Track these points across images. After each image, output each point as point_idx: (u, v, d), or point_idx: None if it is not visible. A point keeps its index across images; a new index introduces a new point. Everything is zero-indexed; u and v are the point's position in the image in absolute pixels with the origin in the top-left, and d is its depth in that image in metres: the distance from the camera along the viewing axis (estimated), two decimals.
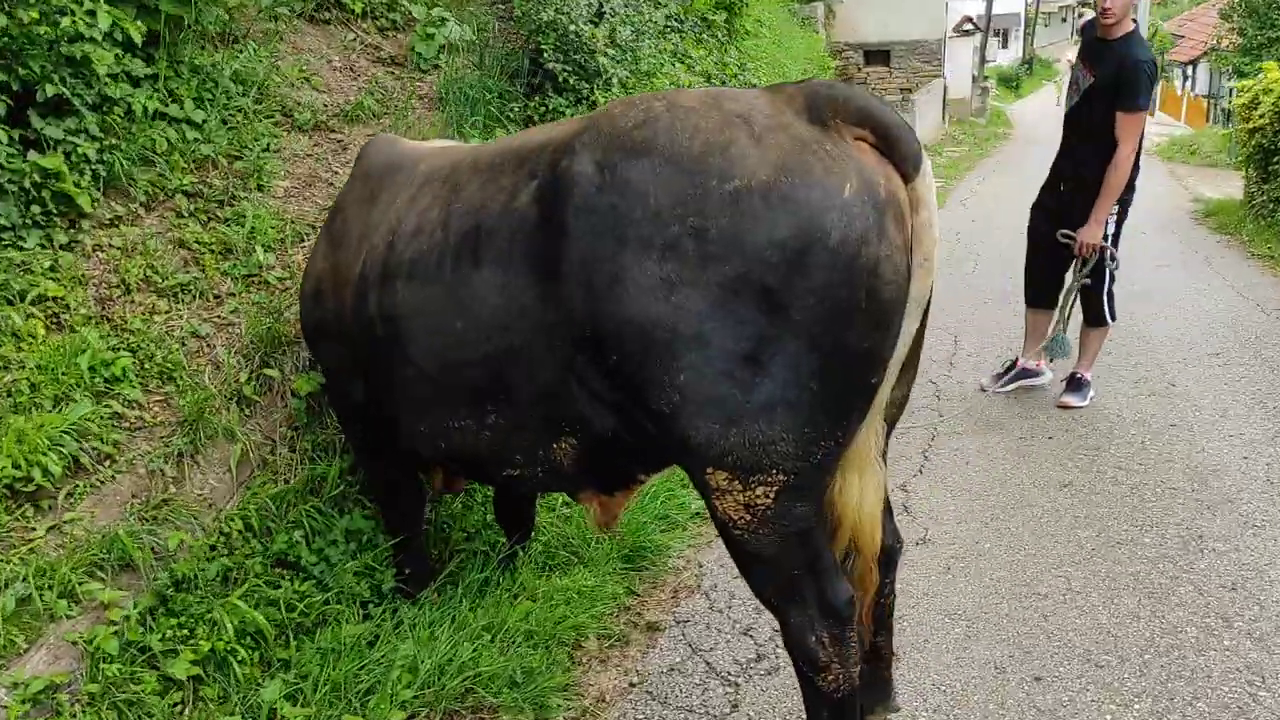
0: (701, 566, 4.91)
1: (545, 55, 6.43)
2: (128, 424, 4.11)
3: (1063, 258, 6.66)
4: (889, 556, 3.30)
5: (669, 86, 6.89)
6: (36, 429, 3.70)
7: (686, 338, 2.62)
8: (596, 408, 2.97)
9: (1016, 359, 7.23)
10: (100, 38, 4.82)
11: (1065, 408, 6.78)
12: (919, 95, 24.59)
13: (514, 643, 4.04)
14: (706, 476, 2.72)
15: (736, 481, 2.69)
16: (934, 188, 2.74)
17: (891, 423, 3.08)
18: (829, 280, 2.54)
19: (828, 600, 2.87)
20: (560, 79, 6.40)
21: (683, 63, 7.59)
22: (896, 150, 2.69)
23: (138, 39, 4.87)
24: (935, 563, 4.86)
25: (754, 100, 2.81)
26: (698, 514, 5.31)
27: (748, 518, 2.74)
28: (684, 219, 2.62)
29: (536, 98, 6.57)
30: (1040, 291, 6.93)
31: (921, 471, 5.98)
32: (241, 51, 5.83)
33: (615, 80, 6.45)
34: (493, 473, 3.53)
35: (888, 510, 3.24)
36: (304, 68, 6.42)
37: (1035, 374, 7.19)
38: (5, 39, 4.37)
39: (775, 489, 2.67)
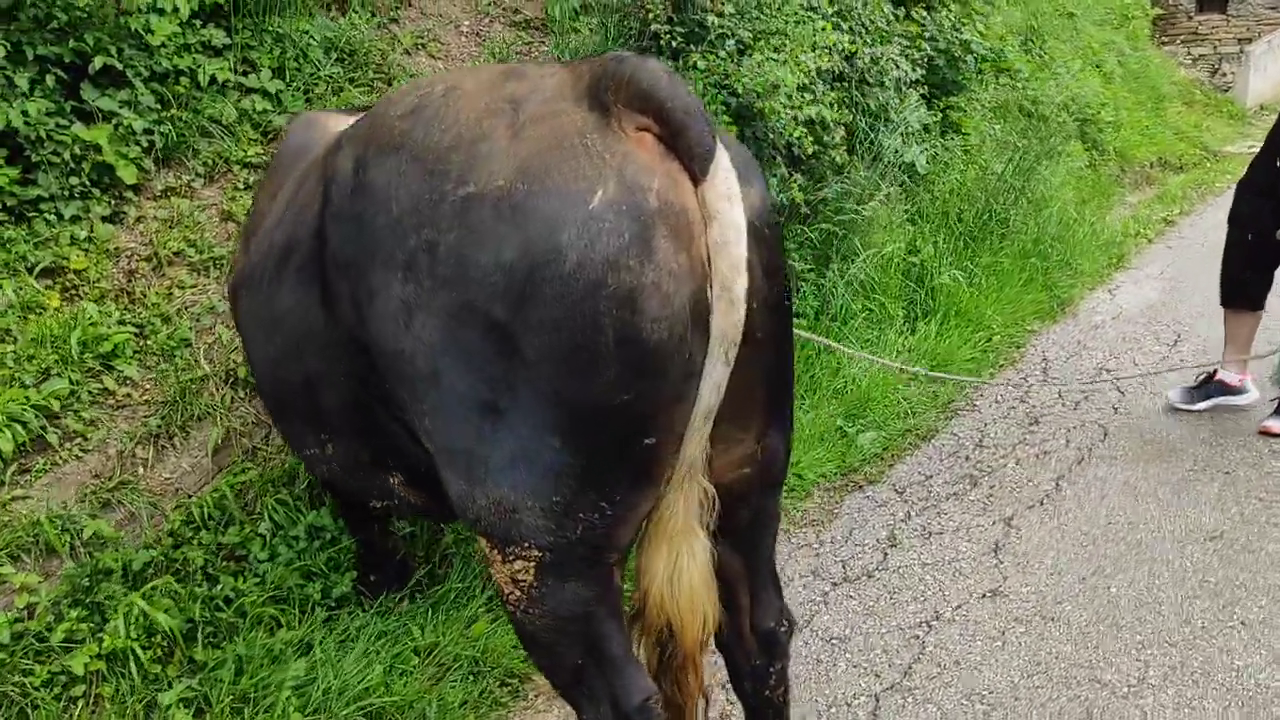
0: None
1: (651, 14, 5.83)
2: (114, 402, 4.17)
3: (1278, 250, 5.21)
4: (768, 641, 2.70)
5: (810, 50, 6.06)
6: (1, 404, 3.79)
7: (425, 375, 2.22)
8: (404, 439, 2.57)
9: (1214, 371, 5.78)
10: (171, 9, 4.88)
11: (1267, 434, 5.33)
12: (1257, 47, 20.48)
13: (451, 668, 3.72)
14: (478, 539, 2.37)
15: (495, 551, 2.27)
16: (736, 194, 2.03)
17: (768, 483, 2.48)
18: (564, 314, 1.99)
19: (618, 699, 2.35)
20: (663, 41, 5.79)
21: (842, 18, 6.60)
22: (681, 143, 2.04)
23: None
24: (989, 625, 3.95)
25: (540, 81, 2.29)
26: None
27: (516, 594, 2.30)
28: (419, 230, 2.18)
29: None
30: (1243, 289, 5.46)
31: (1042, 503, 4.92)
32: (336, 19, 5.73)
33: (730, 42, 5.74)
34: (365, 501, 3.20)
35: (768, 585, 2.66)
36: (423, 34, 6.26)
37: (1237, 391, 5.68)
38: (62, 12, 4.49)
39: (533, 565, 2.22)
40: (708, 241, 2.02)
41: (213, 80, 5.07)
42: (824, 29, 6.31)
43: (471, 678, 3.72)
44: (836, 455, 5.48)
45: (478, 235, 2.07)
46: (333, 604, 3.98)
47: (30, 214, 4.41)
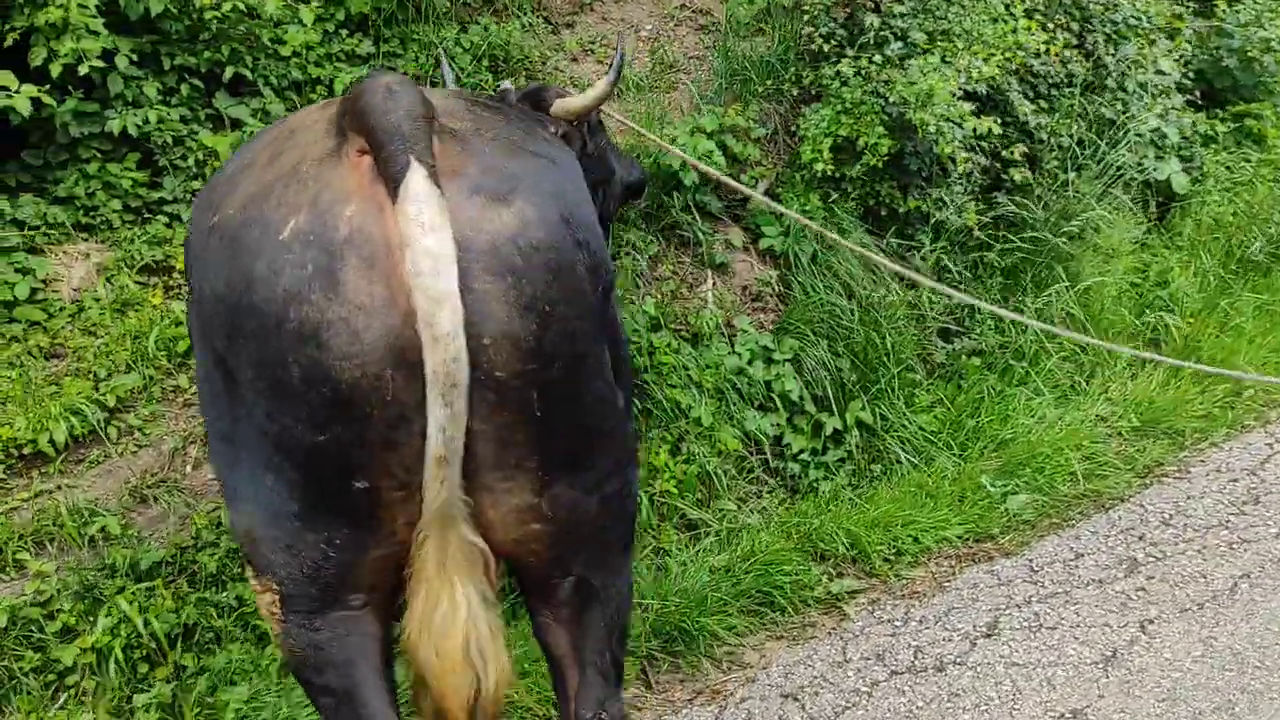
0: (756, 669, 3.87)
1: (807, 15, 5.30)
2: (181, 400, 4.33)
3: None
4: None
5: (1001, 52, 5.28)
6: (55, 396, 4.03)
7: (200, 403, 2.34)
8: None
9: None
10: (311, 20, 5.04)
11: None
12: None
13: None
14: None
15: (253, 579, 2.27)
16: (430, 219, 1.80)
17: (578, 546, 2.23)
18: (259, 349, 1.93)
19: None
20: (817, 47, 5.24)
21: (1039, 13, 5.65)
22: (378, 165, 1.89)
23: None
24: None
25: (314, 109, 2.29)
26: (771, 599, 4.22)
27: (273, 626, 2.27)
28: (189, 259, 2.29)
29: (808, 69, 5.46)
30: None
31: (1201, 608, 4.04)
32: (490, 26, 5.69)
33: (895, 45, 5.09)
34: None
35: (593, 671, 2.38)
36: (594, 40, 6.12)
37: None
38: (205, 25, 4.73)
39: (276, 597, 2.18)
40: (406, 271, 1.80)
41: (348, 90, 5.16)
42: (1027, 28, 5.52)
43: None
44: (972, 518, 4.79)
45: (208, 264, 2.02)
46: None
47: (151, 216, 4.67)
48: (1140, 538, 4.70)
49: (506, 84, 4.70)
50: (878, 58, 5.11)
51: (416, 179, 1.80)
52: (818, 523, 4.52)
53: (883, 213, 5.51)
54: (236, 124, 4.89)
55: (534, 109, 4.21)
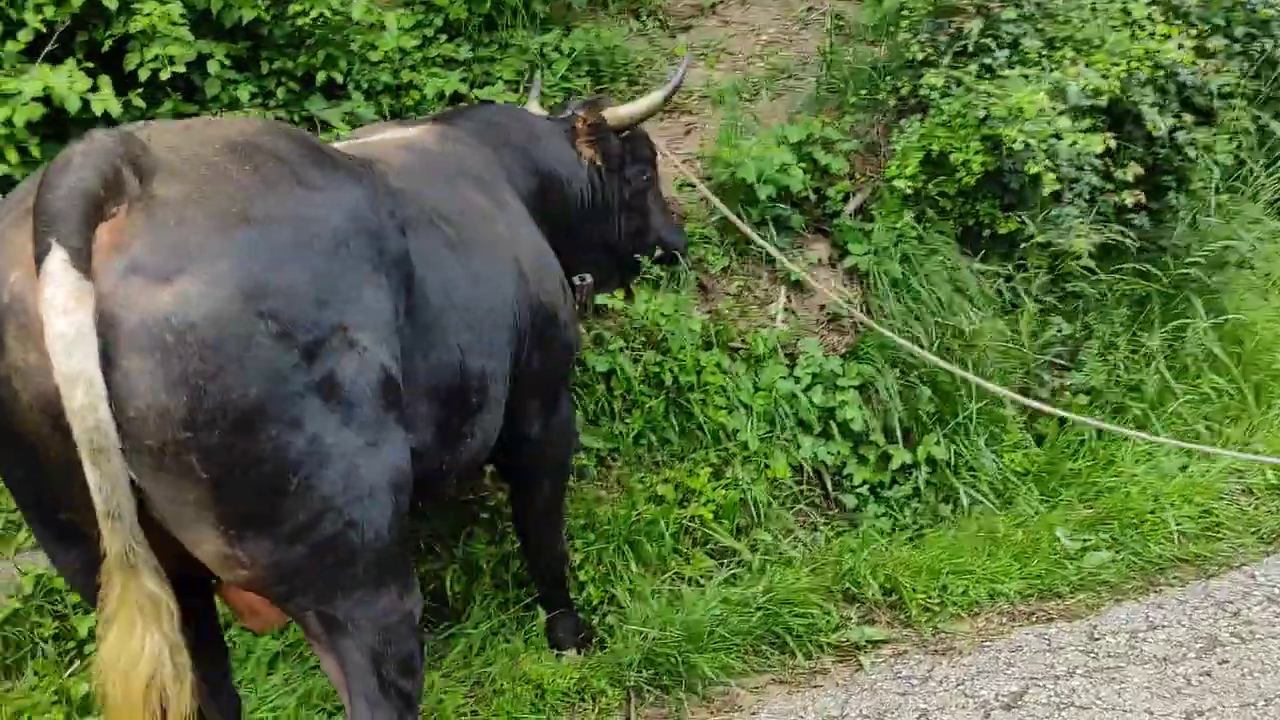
0: (745, 714, 3.70)
1: (914, 22, 4.94)
2: None
3: None
4: None
5: (1124, 60, 4.77)
6: None
7: None
8: None
9: None
10: (396, 26, 5.19)
11: None
12: None
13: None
14: None
15: None
16: (65, 303, 1.87)
17: (280, 584, 2.28)
18: None
19: None
20: (911, 55, 4.86)
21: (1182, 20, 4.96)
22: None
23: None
24: None
25: None
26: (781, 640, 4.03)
27: None
28: None
29: (906, 79, 5.09)
30: None
31: (1269, 703, 3.54)
32: (597, 32, 5.66)
33: (1001, 53, 4.66)
34: None
35: (355, 697, 2.42)
36: (709, 44, 6.00)
37: None
38: (301, 29, 4.95)
39: None
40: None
41: (442, 94, 5.27)
42: (1165, 34, 4.98)
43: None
44: (1038, 572, 4.40)
45: None
46: None
47: None
48: (1235, 614, 4.19)
49: (535, 88, 4.71)
50: (973, 67, 4.75)
51: (54, 262, 1.85)
52: (852, 563, 4.27)
53: (983, 234, 5.12)
54: (326, 127, 5.08)
55: (590, 114, 4.19)
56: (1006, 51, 4.87)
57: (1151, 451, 5.07)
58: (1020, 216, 5.06)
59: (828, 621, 4.04)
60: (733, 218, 4.74)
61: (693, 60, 6.02)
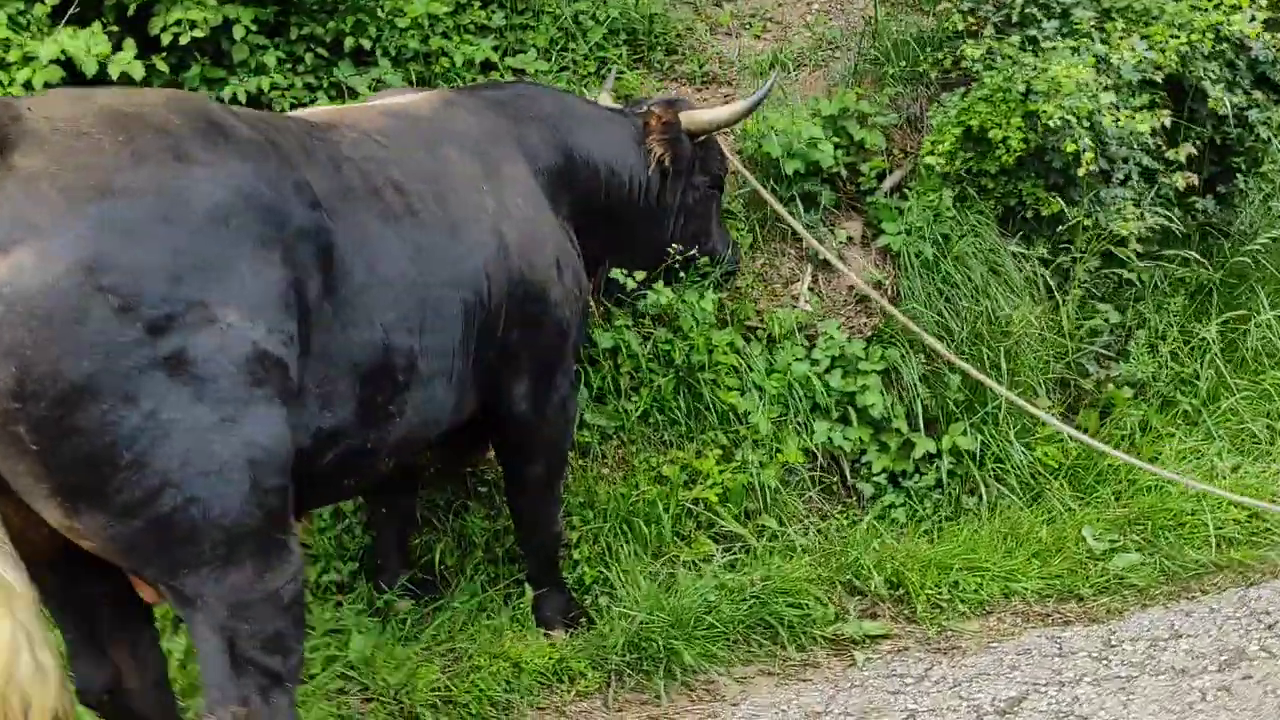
0: (725, 705, 3.59)
1: None
2: None
3: None
4: None
5: (1198, 33, 4.43)
6: None
7: None
8: None
9: None
10: None
11: None
12: None
13: None
14: None
15: None
16: None
17: (124, 557, 2.29)
18: None
19: None
20: (951, 26, 4.57)
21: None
22: None
23: None
24: None
25: None
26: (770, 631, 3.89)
27: None
28: None
29: (946, 51, 4.82)
30: None
31: None
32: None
33: (1049, 24, 4.35)
34: None
35: (209, 669, 2.39)
36: (755, 13, 5.82)
37: None
38: None
39: None
40: None
41: (472, 62, 5.21)
42: (1230, 4, 4.64)
43: None
44: (1059, 572, 4.18)
45: None
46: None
47: None
48: (1270, 626, 3.91)
49: (609, 81, 4.61)
50: (1016, 38, 4.49)
51: None
52: (857, 553, 4.11)
53: (1027, 215, 4.86)
54: (354, 94, 5.06)
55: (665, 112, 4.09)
56: (1056, 22, 4.59)
57: (1202, 449, 4.78)
58: (1070, 197, 4.78)
59: (823, 614, 3.89)
60: (763, 192, 4.55)
61: (737, 29, 5.86)
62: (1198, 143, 4.95)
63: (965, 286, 4.77)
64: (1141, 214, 4.80)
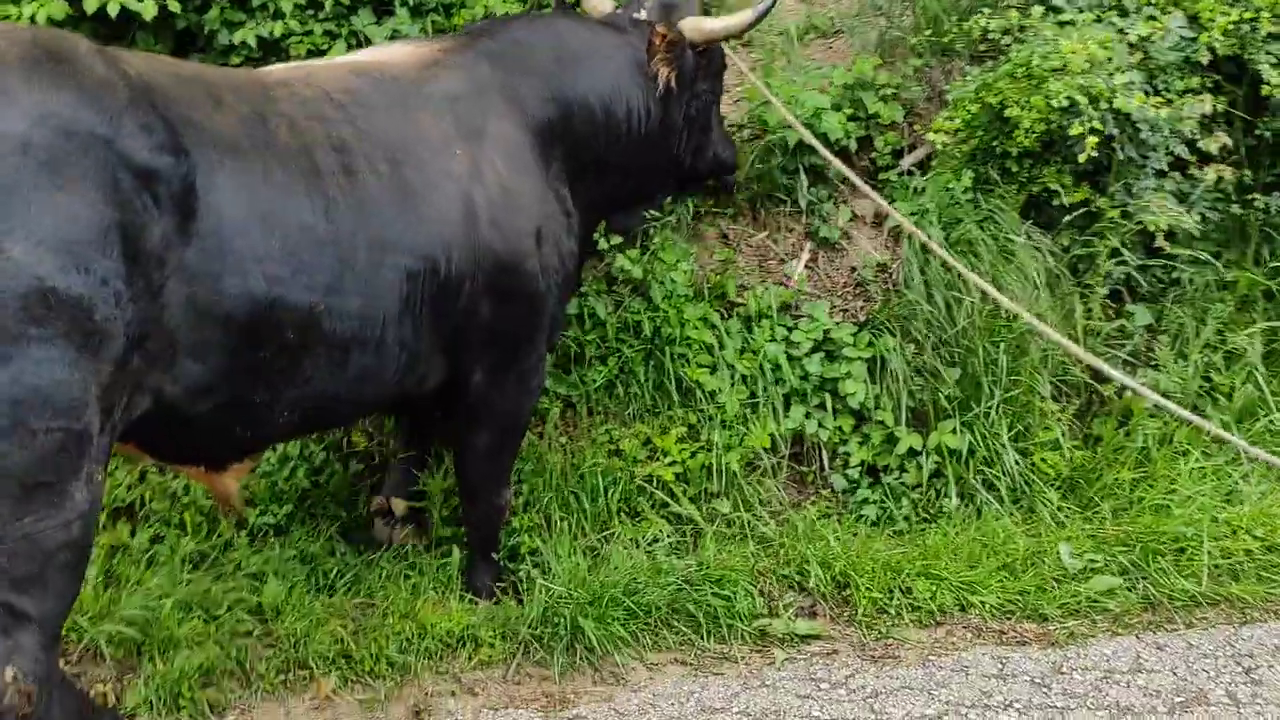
0: (624, 690, 3.48)
1: None
2: None
3: None
4: None
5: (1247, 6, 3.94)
6: None
7: None
8: None
9: None
10: None
11: None
12: None
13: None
14: None
15: None
16: None
17: None
18: None
19: None
20: None
21: None
22: None
23: None
24: None
25: None
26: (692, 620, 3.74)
27: None
28: None
29: (970, 19, 4.42)
30: None
31: None
32: None
33: None
34: None
35: None
36: None
37: None
38: None
39: None
40: None
41: (491, 14, 5.12)
42: None
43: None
44: (1026, 588, 3.88)
45: None
46: None
47: None
48: (1247, 670, 3.56)
49: None
50: (1036, 9, 4.13)
51: None
52: (803, 547, 3.92)
53: (1052, 202, 4.50)
54: (369, 43, 5.06)
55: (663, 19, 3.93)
56: None
57: (1228, 470, 4.37)
58: (1102, 185, 4.41)
59: (749, 606, 3.72)
60: (811, 139, 4.19)
61: None
62: (1264, 134, 4.48)
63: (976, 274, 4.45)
64: (1188, 208, 4.39)
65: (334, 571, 3.85)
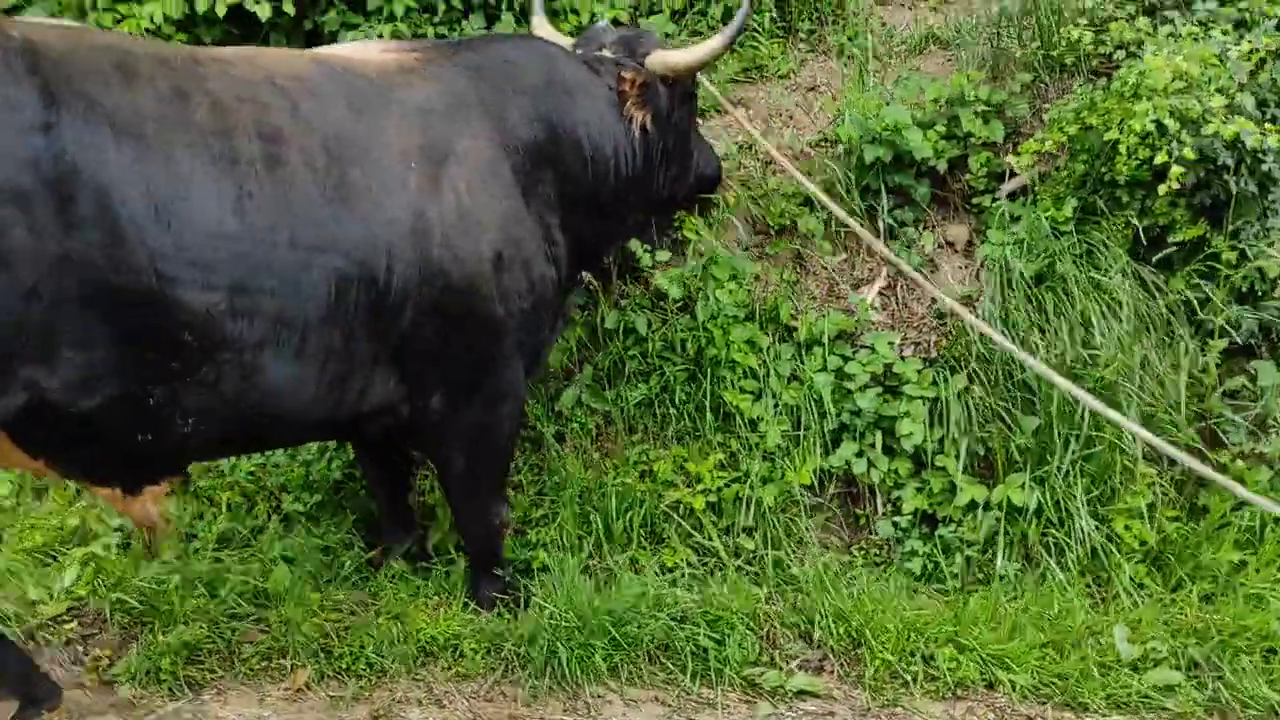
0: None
1: None
2: None
3: None
4: None
5: None
6: None
7: None
8: None
9: None
10: None
11: None
12: None
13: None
14: None
15: None
16: None
17: None
18: None
19: None
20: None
21: None
22: None
23: None
24: None
25: None
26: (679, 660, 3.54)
27: None
28: None
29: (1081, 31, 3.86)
30: None
31: None
32: None
33: (1209, 3, 3.38)
34: None
35: None
36: None
37: None
38: None
39: None
40: None
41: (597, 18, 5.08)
42: None
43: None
44: (1067, 671, 3.43)
45: None
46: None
47: None
48: None
49: (603, 22, 4.30)
50: (1142, 20, 3.65)
51: None
52: (815, 598, 3.62)
53: (1167, 239, 3.97)
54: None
55: (629, 56, 3.84)
56: (1214, 4, 3.68)
57: None
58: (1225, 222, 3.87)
59: (742, 654, 3.47)
60: (817, 192, 4.02)
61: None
62: None
63: (1070, 316, 4.00)
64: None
65: (348, 564, 3.89)
